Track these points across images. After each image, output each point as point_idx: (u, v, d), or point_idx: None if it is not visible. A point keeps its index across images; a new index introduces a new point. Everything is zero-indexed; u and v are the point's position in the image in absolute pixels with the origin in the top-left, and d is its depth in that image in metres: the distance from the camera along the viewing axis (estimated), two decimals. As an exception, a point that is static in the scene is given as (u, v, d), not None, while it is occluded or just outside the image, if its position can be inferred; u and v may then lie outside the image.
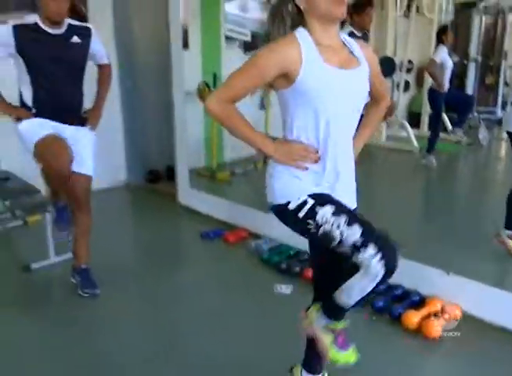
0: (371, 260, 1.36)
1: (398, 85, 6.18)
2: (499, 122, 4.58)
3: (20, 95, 2.56)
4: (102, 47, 2.73)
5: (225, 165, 5.00)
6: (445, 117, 5.54)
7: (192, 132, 4.48)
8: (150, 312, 2.68)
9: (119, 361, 2.24)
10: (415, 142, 5.62)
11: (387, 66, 5.93)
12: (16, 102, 2.59)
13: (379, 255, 1.36)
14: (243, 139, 1.52)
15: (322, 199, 1.47)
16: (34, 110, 2.52)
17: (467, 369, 2.19)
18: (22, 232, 3.66)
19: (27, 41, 2.42)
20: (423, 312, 2.44)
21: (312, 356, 1.79)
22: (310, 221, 1.45)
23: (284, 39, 1.45)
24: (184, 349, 2.31)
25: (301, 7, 1.45)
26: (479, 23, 6.23)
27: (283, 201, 1.50)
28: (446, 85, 5.10)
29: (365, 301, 1.63)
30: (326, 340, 1.61)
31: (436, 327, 2.33)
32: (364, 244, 1.37)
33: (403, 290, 2.66)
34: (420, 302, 2.56)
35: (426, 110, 5.94)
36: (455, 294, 2.50)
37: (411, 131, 5.76)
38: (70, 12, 2.54)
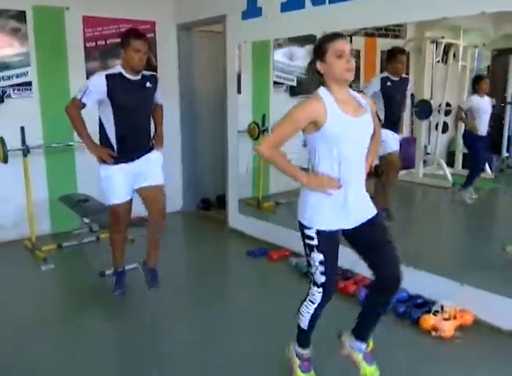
0: (316, 291, 2.14)
1: (436, 126, 6.59)
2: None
3: (104, 132, 3.13)
4: (160, 91, 3.37)
5: (270, 196, 5.51)
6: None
7: (242, 167, 4.93)
8: (199, 311, 3.16)
9: (166, 347, 2.75)
10: (450, 179, 5.96)
11: (424, 108, 6.35)
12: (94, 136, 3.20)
13: (321, 292, 2.13)
14: (284, 172, 2.09)
15: (323, 245, 2.07)
16: (116, 147, 3.10)
17: (475, 364, 2.53)
18: (95, 246, 4.30)
19: (115, 87, 3.02)
20: (438, 316, 2.80)
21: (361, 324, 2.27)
22: (307, 250, 2.13)
23: (312, 97, 2.00)
24: (225, 341, 2.77)
25: (321, 71, 2.00)
26: (516, 68, 6.55)
27: (304, 223, 2.11)
28: (482, 128, 5.39)
29: (310, 329, 2.25)
30: (296, 362, 2.31)
31: (448, 328, 2.70)
32: (319, 285, 2.13)
33: (423, 299, 3.04)
34: (437, 310, 2.91)
35: (459, 150, 6.30)
36: (467, 302, 2.85)
37: (446, 169, 6.11)
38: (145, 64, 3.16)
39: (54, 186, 4.57)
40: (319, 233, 2.06)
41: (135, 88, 3.10)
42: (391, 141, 4.32)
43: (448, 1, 2.69)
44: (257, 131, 5.11)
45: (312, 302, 2.18)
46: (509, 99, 6.60)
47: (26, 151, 4.02)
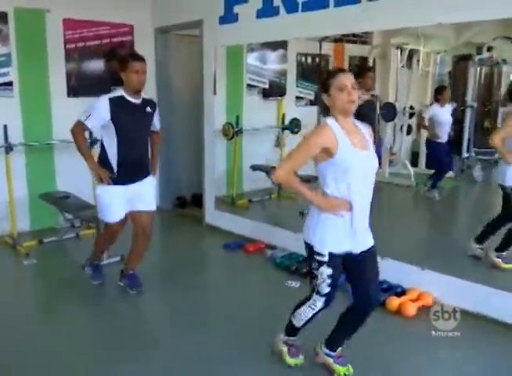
0: (318, 300, 2.33)
1: (401, 128, 6.91)
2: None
3: (104, 154, 3.16)
4: (158, 118, 3.42)
5: (243, 194, 5.72)
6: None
7: (216, 165, 5.11)
8: (180, 297, 3.36)
9: (152, 327, 2.99)
10: (412, 179, 6.30)
11: (389, 111, 6.66)
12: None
13: (324, 301, 2.32)
14: (299, 194, 2.24)
15: (332, 262, 2.23)
16: (115, 169, 3.13)
17: (433, 339, 2.78)
18: (75, 242, 4.44)
19: (118, 111, 3.05)
20: (403, 298, 3.07)
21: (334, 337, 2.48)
22: (315, 264, 2.28)
23: (322, 127, 2.18)
24: (206, 320, 3.01)
25: (327, 104, 2.18)
26: (475, 74, 6.94)
27: (315, 245, 2.25)
28: (442, 137, 5.70)
29: (302, 327, 2.46)
30: (283, 350, 2.55)
31: (410, 308, 2.96)
32: (322, 295, 2.30)
33: (389, 284, 3.31)
34: (401, 293, 3.19)
35: (422, 151, 6.64)
36: (428, 285, 3.13)
37: (411, 169, 6.45)
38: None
39: (33, 183, 4.66)
40: (329, 253, 2.23)
41: (137, 112, 3.16)
42: None
43: (408, 12, 2.97)
44: (232, 131, 5.31)
45: (312, 308, 2.36)
46: (468, 103, 7.00)
47: (8, 149, 4.12)
